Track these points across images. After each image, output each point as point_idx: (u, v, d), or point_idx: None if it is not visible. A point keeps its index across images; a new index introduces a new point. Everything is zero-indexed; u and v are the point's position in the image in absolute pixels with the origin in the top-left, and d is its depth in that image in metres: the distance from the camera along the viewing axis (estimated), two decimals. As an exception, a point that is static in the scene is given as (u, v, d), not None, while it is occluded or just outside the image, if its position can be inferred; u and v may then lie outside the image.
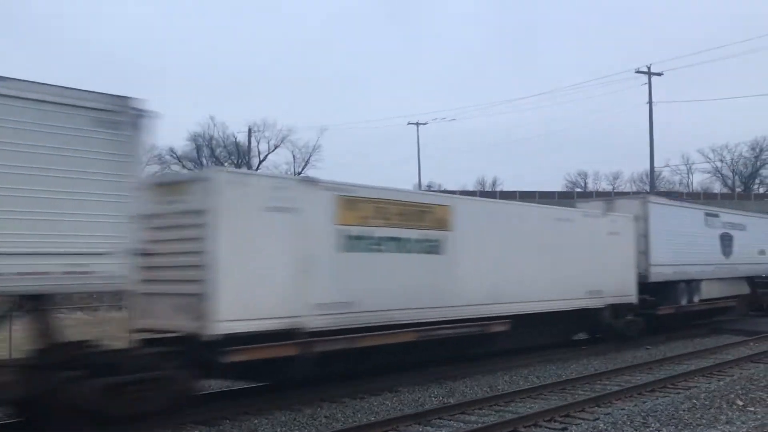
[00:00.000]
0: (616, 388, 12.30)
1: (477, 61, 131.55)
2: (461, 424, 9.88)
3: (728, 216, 24.25)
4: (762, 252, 26.04)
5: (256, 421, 9.97)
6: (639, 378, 13.61)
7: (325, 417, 10.23)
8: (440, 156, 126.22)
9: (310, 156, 79.51)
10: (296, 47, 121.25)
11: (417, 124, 66.13)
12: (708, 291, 21.73)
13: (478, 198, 27.23)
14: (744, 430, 8.98)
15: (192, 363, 9.52)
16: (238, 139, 71.48)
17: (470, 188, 70.27)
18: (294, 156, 79.74)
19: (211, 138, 76.98)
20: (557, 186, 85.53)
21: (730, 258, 23.25)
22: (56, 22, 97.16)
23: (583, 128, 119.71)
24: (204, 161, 79.16)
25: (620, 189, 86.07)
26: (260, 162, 74.32)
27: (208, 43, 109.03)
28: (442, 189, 70.72)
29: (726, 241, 23.16)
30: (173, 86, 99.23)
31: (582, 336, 19.04)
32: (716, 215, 23.13)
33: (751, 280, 25.52)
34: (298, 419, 10.07)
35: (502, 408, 10.91)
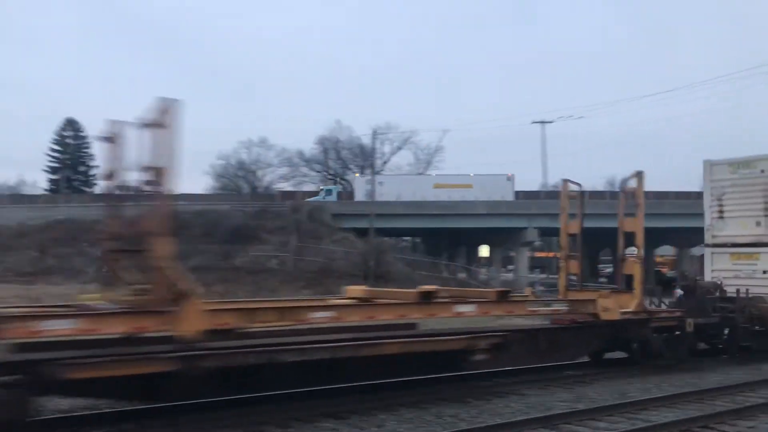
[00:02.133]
0: (761, 401, 11.55)
1: (604, 58, 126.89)
2: (590, 430, 9.64)
3: None
4: None
5: (382, 416, 10.18)
6: (787, 391, 12.69)
7: (450, 416, 10.28)
8: (568, 156, 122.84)
9: (433, 157, 79.97)
10: (412, 50, 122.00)
11: (542, 122, 64.91)
12: None
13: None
14: None
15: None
16: (362, 142, 73.23)
17: (599, 188, 67.61)
18: (417, 157, 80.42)
19: (338, 141, 79.36)
20: (695, 186, 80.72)
21: None
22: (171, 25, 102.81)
23: (711, 125, 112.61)
24: (330, 163, 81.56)
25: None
26: (384, 164, 75.62)
27: (331, 49, 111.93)
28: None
29: None
30: (303, 92, 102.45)
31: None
32: None
33: None
34: (423, 417, 10.18)
35: (633, 415, 10.52)
